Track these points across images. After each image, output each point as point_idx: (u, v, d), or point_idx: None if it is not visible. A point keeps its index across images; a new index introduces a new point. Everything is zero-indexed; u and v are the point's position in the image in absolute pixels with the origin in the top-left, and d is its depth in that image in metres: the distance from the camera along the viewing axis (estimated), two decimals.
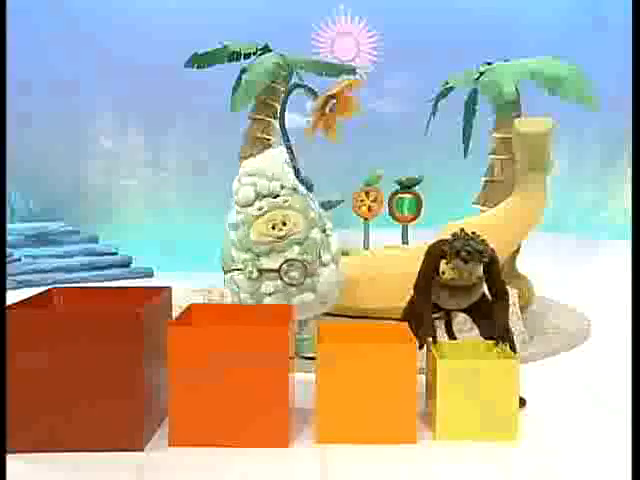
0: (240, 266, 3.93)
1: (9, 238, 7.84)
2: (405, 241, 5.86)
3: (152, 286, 3.58)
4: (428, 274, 3.32)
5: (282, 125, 6.14)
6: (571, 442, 3.04)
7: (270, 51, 6.09)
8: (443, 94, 5.78)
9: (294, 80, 6.23)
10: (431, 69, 6.58)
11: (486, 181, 5.56)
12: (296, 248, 3.90)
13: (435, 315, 3.45)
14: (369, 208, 5.88)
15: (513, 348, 3.27)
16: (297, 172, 6.01)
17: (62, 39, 9.09)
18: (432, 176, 6.01)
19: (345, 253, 5.45)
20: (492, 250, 3.23)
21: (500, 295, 3.34)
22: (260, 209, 3.94)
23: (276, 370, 2.90)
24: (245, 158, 6.29)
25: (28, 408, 2.83)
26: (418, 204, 5.71)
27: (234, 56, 6.15)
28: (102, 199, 9.59)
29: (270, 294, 3.91)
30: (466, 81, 5.55)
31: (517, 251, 5.33)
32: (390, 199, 5.82)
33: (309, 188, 6.07)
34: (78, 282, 7.34)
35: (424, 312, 3.33)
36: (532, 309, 5.37)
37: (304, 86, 6.05)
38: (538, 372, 4.06)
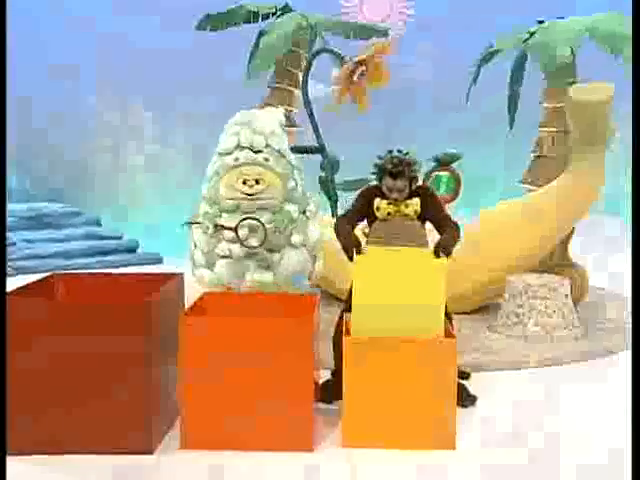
0: (199, 220, 3.93)
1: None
2: None
3: (161, 273, 3.60)
4: (356, 208, 3.47)
5: (305, 95, 6.14)
6: (607, 452, 2.99)
7: (291, 11, 6.05)
8: (487, 58, 5.70)
9: (318, 44, 6.18)
10: (473, 30, 6.49)
11: (535, 157, 5.49)
12: (266, 215, 3.85)
13: None
14: None
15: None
16: (322, 149, 6.02)
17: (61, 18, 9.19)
18: (473, 151, 5.95)
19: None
20: (425, 184, 3.36)
21: (447, 224, 3.36)
22: (236, 160, 3.89)
23: (299, 366, 2.90)
24: None
25: (27, 407, 2.86)
26: (456, 183, 5.66)
27: (251, 17, 6.12)
28: (105, 178, 9.66)
29: (224, 257, 3.86)
30: (514, 43, 5.46)
31: (570, 236, 5.26)
32: (425, 178, 5.77)
33: (334, 167, 6.08)
34: (79, 269, 7.41)
35: (342, 228, 3.37)
36: (586, 301, 5.31)
37: (330, 51, 6.02)
38: (588, 373, 4.01)
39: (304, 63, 6.17)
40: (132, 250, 8.29)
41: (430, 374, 2.95)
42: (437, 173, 5.67)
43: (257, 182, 3.82)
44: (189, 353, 2.91)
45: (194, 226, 3.95)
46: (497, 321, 4.74)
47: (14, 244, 7.86)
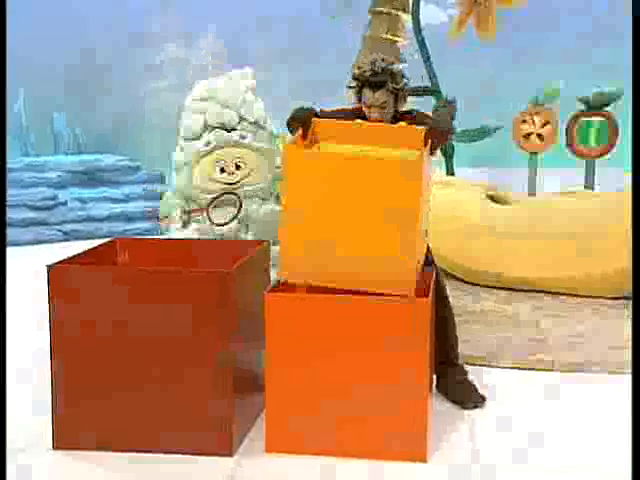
0: (173, 214, 4.04)
1: (52, 175, 8.20)
2: (589, 185, 5.65)
3: (243, 240, 3.64)
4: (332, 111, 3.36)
5: (416, 21, 6.05)
6: None
7: None
8: None
9: None
10: None
11: None
12: (255, 205, 3.96)
13: None
14: (539, 137, 5.71)
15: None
16: (435, 89, 5.94)
17: None
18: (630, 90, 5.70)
19: (496, 200, 5.37)
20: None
21: None
22: (207, 144, 3.94)
23: (412, 358, 2.88)
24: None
25: (83, 396, 2.96)
26: (612, 131, 5.47)
27: None
28: (170, 124, 9.83)
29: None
30: None
31: None
32: (570, 124, 5.61)
33: (451, 112, 5.98)
34: (140, 235, 7.58)
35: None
36: None
37: None
38: None
39: None
40: None
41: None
42: (586, 119, 5.50)
43: (237, 167, 3.88)
44: (276, 338, 2.93)
45: (169, 221, 4.10)
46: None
47: (64, 204, 8.11)
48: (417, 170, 2.87)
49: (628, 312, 4.68)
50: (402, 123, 3.27)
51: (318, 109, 3.30)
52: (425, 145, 2.99)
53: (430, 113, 3.45)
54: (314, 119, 3.16)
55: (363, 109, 3.28)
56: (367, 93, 3.22)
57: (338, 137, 3.14)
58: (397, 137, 3.13)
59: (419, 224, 2.93)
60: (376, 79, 3.18)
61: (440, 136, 3.10)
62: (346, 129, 3.18)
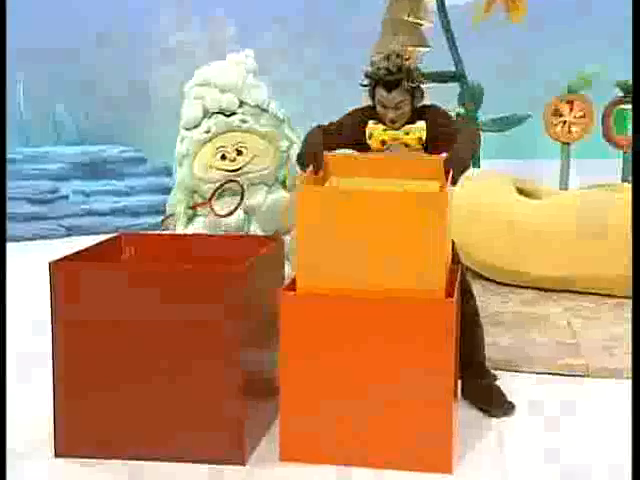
0: (175, 211, 4.07)
1: (53, 166, 8.22)
2: (627, 178, 5.62)
3: (254, 235, 3.64)
4: (340, 122, 3.40)
5: (440, 2, 6.03)
6: None
7: None
8: None
9: None
10: None
11: None
12: (262, 191, 3.94)
13: None
14: (571, 127, 5.69)
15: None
16: (461, 75, 5.92)
17: None
18: None
19: (526, 193, 5.36)
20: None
21: (460, 134, 3.21)
22: (207, 131, 3.96)
23: (436, 360, 2.87)
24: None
25: (86, 399, 2.96)
26: None
27: None
28: (176, 115, 9.85)
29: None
30: None
31: None
32: (606, 113, 5.58)
33: (477, 99, 5.97)
34: (146, 230, 7.58)
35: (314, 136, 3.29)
36: None
37: None
38: None
39: None
40: None
41: None
42: (623, 107, 5.46)
43: (239, 153, 3.89)
44: (292, 338, 2.93)
45: (169, 220, 4.13)
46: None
47: (66, 197, 8.14)
48: (443, 204, 2.88)
49: None
50: (420, 123, 3.25)
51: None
52: (446, 175, 2.99)
53: (446, 111, 3.43)
54: (325, 155, 3.17)
55: (377, 109, 3.25)
56: (382, 93, 3.20)
57: (351, 171, 3.16)
58: (412, 169, 3.12)
59: (445, 251, 2.96)
60: (391, 78, 3.15)
61: (460, 166, 3.05)
62: (358, 163, 3.21)
